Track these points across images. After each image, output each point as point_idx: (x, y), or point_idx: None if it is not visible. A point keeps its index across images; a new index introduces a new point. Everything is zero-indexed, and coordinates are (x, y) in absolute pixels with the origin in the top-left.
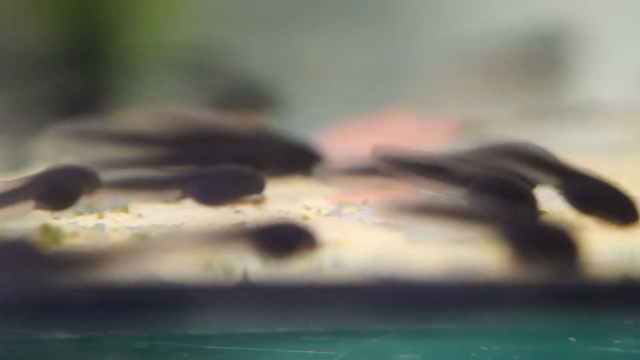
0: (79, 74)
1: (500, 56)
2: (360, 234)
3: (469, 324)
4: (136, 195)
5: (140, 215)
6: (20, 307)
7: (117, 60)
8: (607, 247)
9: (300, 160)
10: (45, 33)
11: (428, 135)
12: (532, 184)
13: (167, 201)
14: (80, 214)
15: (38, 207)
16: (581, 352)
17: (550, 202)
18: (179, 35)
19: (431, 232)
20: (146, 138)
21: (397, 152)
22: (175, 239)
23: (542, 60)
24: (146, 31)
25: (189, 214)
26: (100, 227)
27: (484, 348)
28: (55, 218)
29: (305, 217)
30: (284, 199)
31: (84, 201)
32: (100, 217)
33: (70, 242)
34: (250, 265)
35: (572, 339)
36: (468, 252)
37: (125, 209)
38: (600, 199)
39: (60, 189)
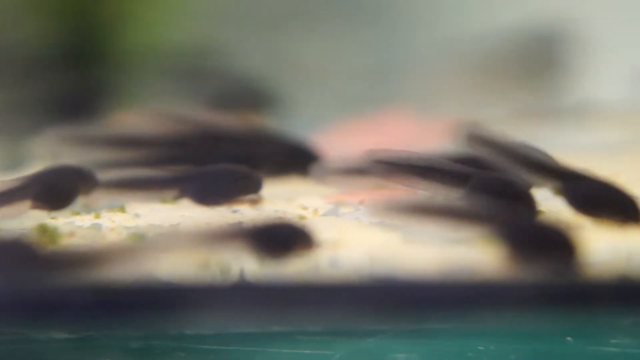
0: (76, 75)
1: (497, 56)
2: (357, 234)
3: (466, 323)
4: (133, 195)
5: (137, 215)
6: (16, 307)
7: (115, 61)
8: (604, 247)
9: (297, 160)
10: (42, 33)
11: (426, 135)
12: (529, 184)
13: (164, 201)
14: (77, 213)
15: (35, 206)
16: (578, 351)
17: (548, 201)
18: (177, 35)
19: (428, 232)
20: (143, 138)
21: (392, 155)
22: (172, 238)
23: (539, 60)
24: (143, 31)
25: (185, 214)
26: (97, 227)
27: (481, 348)
28: (52, 218)
29: (302, 217)
30: (280, 199)
31: (80, 201)
32: (97, 216)
33: (67, 242)
34: (247, 265)
35: (569, 338)
36: (465, 252)
37: (122, 209)
38: (601, 198)
39: (57, 189)
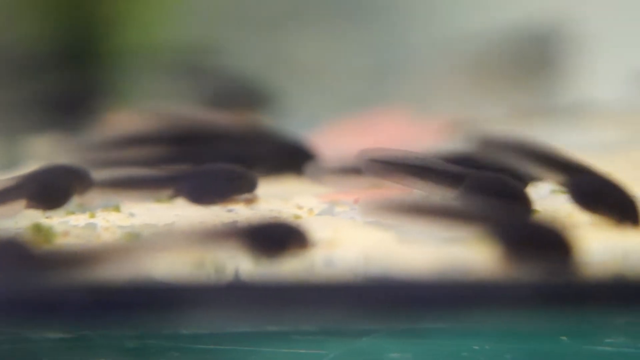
0: (72, 74)
1: (493, 55)
2: (352, 233)
3: (461, 323)
4: (128, 195)
5: (132, 214)
6: (10, 307)
7: (110, 60)
8: (599, 246)
9: (292, 159)
10: (38, 32)
11: (421, 134)
12: (525, 183)
13: (158, 200)
14: (72, 213)
15: (30, 206)
16: (573, 351)
17: (543, 200)
18: (173, 34)
19: (423, 232)
20: (138, 137)
21: (386, 154)
22: (167, 238)
23: (535, 60)
24: (140, 30)
25: (180, 213)
26: (91, 227)
27: (476, 347)
28: (47, 217)
29: (297, 216)
30: (275, 198)
31: (75, 200)
32: (92, 216)
33: (62, 242)
34: (241, 264)
35: (564, 338)
36: (460, 251)
37: (117, 208)
38: (602, 194)
39: (52, 189)
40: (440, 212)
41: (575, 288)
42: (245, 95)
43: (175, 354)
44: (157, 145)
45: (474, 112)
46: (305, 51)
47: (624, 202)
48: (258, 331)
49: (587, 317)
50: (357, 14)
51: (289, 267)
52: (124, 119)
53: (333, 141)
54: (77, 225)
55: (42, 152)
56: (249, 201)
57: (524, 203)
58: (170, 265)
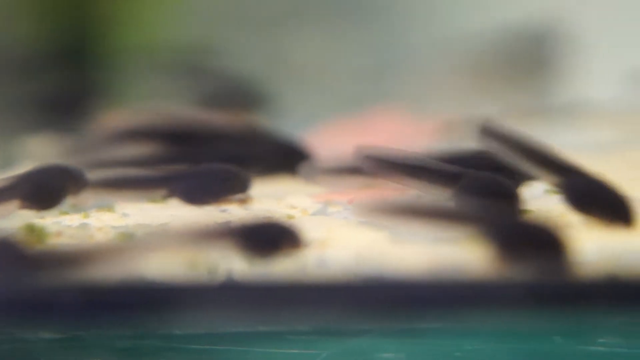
0: (69, 73)
1: (489, 55)
2: (345, 233)
3: (454, 323)
4: (122, 195)
5: (125, 215)
6: (4, 307)
7: (107, 59)
8: (592, 246)
9: (286, 159)
10: (36, 32)
11: (417, 133)
12: (518, 183)
13: (152, 200)
14: (66, 213)
15: (23, 206)
16: (567, 351)
17: (538, 200)
18: (170, 34)
19: (416, 232)
20: (133, 134)
21: (381, 153)
22: (161, 238)
23: (531, 60)
24: (137, 31)
25: (174, 213)
26: (85, 227)
27: (469, 347)
28: (40, 217)
29: (291, 216)
30: (269, 198)
31: (69, 201)
32: (86, 216)
33: (55, 242)
34: (235, 264)
35: (557, 337)
36: (454, 251)
37: (110, 208)
38: (596, 196)
39: (46, 189)
40: (433, 213)
41: (569, 288)
42: (242, 95)
43: (168, 354)
44: (152, 143)
45: (471, 112)
46: (304, 51)
47: (616, 203)
48: (251, 331)
49: (580, 317)
50: (356, 14)
51: (283, 267)
52: (119, 119)
53: (330, 141)
54: (70, 225)
55: (37, 152)
56: (243, 201)
57: (518, 203)
58: (164, 266)
